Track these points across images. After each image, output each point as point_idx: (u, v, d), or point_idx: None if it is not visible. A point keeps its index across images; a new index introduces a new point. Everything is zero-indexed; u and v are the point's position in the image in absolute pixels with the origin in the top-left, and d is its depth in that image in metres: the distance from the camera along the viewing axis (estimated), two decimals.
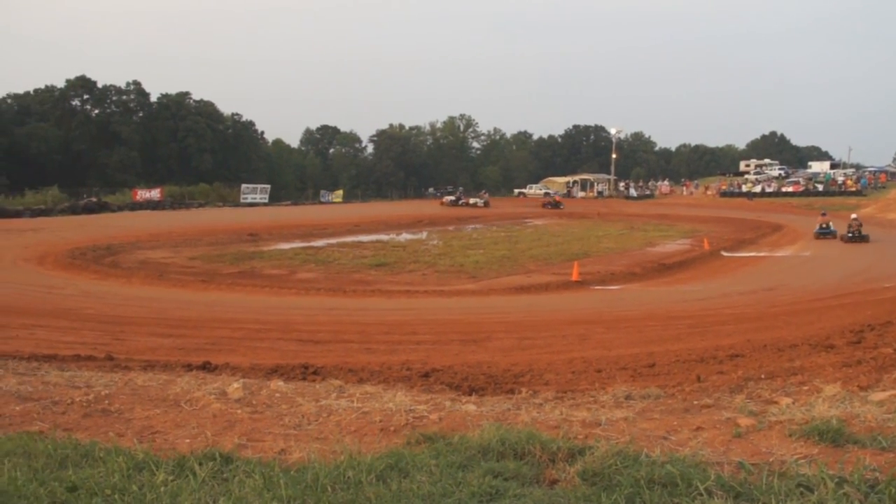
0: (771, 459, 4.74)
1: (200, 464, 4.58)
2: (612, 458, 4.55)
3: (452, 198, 76.54)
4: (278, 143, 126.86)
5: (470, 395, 7.87)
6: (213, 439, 5.53)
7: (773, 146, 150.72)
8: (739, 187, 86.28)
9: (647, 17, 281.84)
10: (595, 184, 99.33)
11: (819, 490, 4.01)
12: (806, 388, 7.25)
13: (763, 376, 8.19)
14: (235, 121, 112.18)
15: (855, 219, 39.94)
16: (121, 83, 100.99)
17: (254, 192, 77.57)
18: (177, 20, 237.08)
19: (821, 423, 5.29)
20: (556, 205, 74.49)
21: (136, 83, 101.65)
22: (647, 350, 11.38)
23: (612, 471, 4.41)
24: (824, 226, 42.00)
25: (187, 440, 5.58)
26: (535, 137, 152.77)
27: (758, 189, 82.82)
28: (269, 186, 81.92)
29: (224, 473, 4.49)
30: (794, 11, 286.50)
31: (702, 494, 4.05)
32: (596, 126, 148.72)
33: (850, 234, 38.92)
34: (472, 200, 75.66)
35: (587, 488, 4.26)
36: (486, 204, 75.04)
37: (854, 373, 8.04)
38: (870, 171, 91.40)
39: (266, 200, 77.21)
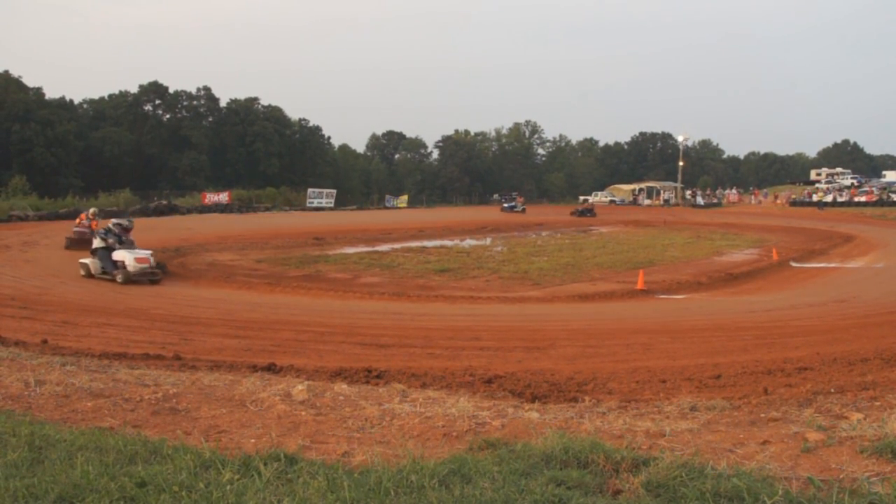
0: (841, 476, 4.64)
1: (265, 464, 4.64)
2: (677, 470, 4.50)
3: None
4: (344, 148, 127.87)
5: (533, 402, 7.83)
6: (278, 440, 5.59)
7: (845, 154, 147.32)
8: (810, 196, 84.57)
9: (714, 19, 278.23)
10: (661, 192, 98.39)
11: None
12: (878, 403, 7.06)
13: (833, 390, 8.00)
14: (303, 126, 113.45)
15: (590, 201, 68.49)
16: (191, 89, 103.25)
17: (320, 197, 78.33)
18: (247, 30, 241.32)
19: (894, 440, 5.16)
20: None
21: (207, 89, 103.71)
22: (712, 361, 11.22)
23: (677, 483, 4.36)
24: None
25: (252, 440, 5.65)
26: (601, 144, 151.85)
27: (829, 198, 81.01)
28: (334, 191, 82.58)
29: (288, 474, 4.53)
30: (865, 11, 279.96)
31: None
32: (663, 133, 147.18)
33: (580, 210, 66.56)
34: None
35: (651, 500, 4.22)
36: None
37: None
38: None
39: (332, 205, 77.92)
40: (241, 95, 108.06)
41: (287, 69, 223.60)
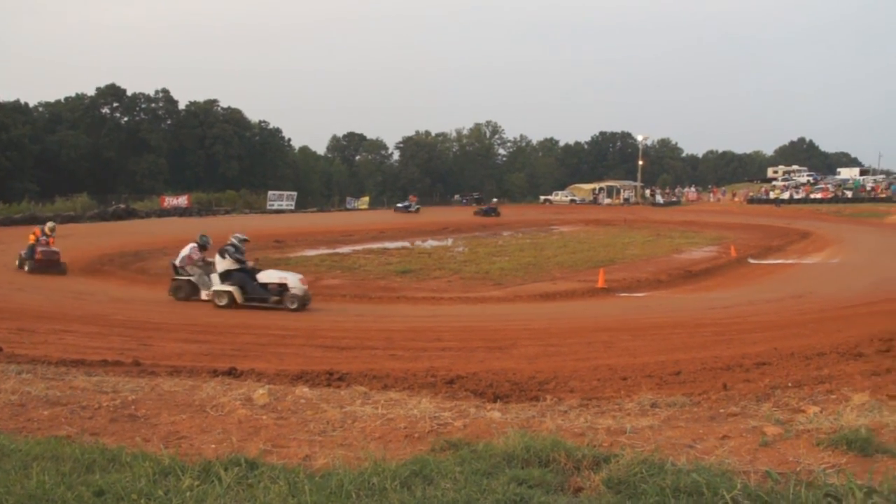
0: (798, 469, 4.71)
1: (226, 469, 4.60)
2: (638, 466, 4.54)
3: None
4: (305, 150, 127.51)
5: (495, 402, 7.85)
6: (239, 445, 5.55)
7: (801, 152, 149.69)
8: (767, 194, 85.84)
9: (673, 22, 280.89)
10: (621, 190, 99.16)
11: (847, 500, 3.97)
12: (834, 396, 7.19)
13: (790, 385, 8.12)
14: (262, 128, 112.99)
15: (496, 201, 74.10)
16: (150, 91, 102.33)
17: (280, 199, 77.95)
18: (206, 30, 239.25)
19: (849, 433, 5.25)
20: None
21: (165, 91, 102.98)
22: (672, 358, 11.31)
23: (638, 479, 4.40)
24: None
25: (213, 445, 5.61)
26: (562, 144, 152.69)
27: (785, 196, 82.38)
28: (295, 193, 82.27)
29: (249, 479, 4.50)
30: (823, 13, 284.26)
31: None
32: (623, 132, 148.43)
33: (484, 209, 69.94)
34: None
35: (612, 496, 4.24)
36: None
37: (883, 381, 7.96)
38: None
39: (292, 207, 77.58)
40: (201, 97, 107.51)
41: (247, 71, 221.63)
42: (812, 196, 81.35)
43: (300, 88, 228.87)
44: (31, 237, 26.50)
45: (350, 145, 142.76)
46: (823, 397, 7.22)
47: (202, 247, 20.76)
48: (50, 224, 27.83)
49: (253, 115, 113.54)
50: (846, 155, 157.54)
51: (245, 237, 20.59)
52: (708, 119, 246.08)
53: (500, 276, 26.84)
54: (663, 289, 25.66)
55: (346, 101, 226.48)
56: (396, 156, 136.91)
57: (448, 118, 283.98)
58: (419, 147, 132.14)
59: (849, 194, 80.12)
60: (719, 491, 4.13)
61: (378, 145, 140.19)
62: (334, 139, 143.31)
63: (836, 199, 77.78)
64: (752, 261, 34.39)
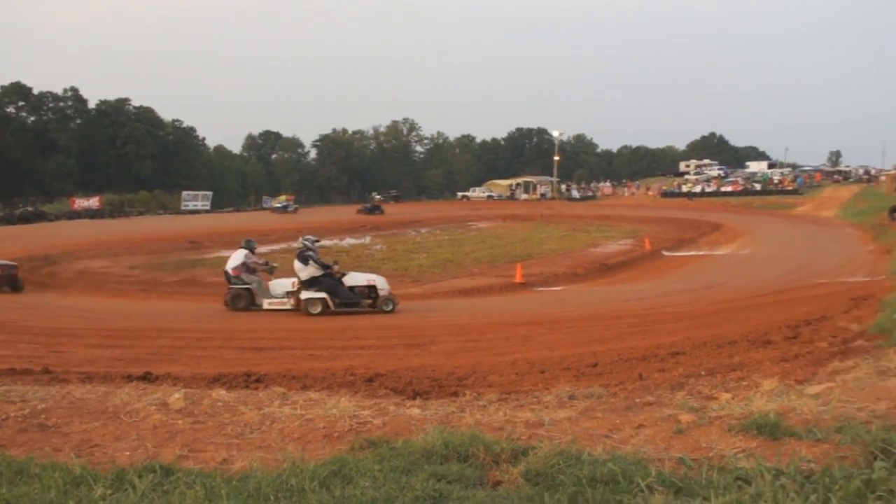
0: (711, 454, 4.82)
1: (140, 476, 4.50)
2: (555, 458, 4.59)
3: None
4: (220, 149, 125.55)
5: (414, 399, 7.85)
6: (154, 451, 5.44)
7: (712, 146, 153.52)
8: (679, 187, 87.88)
9: (587, 24, 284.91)
10: (538, 186, 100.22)
11: (756, 482, 4.08)
12: (745, 383, 7.38)
13: (703, 373, 8.31)
14: (176, 127, 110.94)
15: (379, 198, 76.16)
16: (58, 90, 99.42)
17: (195, 199, 76.82)
18: (120, 24, 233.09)
19: (759, 417, 5.39)
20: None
21: (74, 90, 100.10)
22: (590, 350, 11.45)
23: (555, 470, 4.44)
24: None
25: (127, 453, 5.48)
26: (479, 140, 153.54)
27: (698, 189, 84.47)
28: (210, 193, 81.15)
29: (164, 486, 4.41)
30: (730, 19, 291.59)
31: (643, 491, 4.09)
32: (539, 129, 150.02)
33: (367, 207, 69.07)
34: None
35: (530, 488, 4.28)
36: None
37: (791, 367, 8.20)
38: (805, 171, 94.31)
39: (208, 207, 76.55)
40: (112, 96, 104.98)
41: (159, 67, 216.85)
42: (723, 189, 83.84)
43: (214, 86, 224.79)
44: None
45: (266, 144, 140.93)
46: (735, 384, 7.41)
47: (252, 251, 20.24)
48: None
49: (166, 114, 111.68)
50: (754, 149, 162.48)
51: (316, 238, 20.02)
52: (622, 115, 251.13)
53: (418, 273, 26.91)
54: (580, 282, 26.03)
55: (261, 98, 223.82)
56: (313, 154, 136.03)
57: (365, 116, 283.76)
58: (336, 145, 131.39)
59: (758, 187, 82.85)
60: (634, 479, 4.21)
61: (294, 143, 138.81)
62: (250, 137, 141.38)
63: (745, 192, 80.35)
64: (665, 253, 35.12)
